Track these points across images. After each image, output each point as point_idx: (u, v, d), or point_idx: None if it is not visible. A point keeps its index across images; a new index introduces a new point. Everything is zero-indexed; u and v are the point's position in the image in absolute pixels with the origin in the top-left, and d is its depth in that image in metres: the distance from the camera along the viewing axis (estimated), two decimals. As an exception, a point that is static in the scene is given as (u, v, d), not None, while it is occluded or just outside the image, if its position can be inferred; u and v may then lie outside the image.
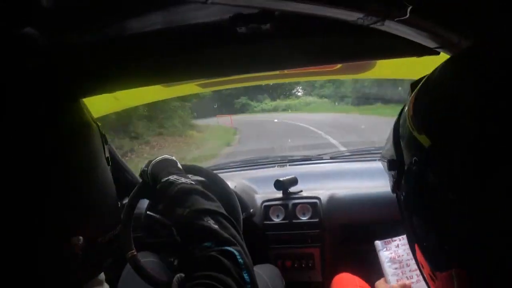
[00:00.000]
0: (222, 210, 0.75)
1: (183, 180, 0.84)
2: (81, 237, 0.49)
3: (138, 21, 0.66)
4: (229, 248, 0.64)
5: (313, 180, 1.67)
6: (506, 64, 0.36)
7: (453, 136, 0.36)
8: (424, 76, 0.47)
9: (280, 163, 1.91)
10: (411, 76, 1.86)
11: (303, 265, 1.45)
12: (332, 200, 1.45)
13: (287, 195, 1.49)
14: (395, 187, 0.49)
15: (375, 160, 1.81)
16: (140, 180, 1.11)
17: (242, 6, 0.60)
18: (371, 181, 1.60)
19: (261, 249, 1.47)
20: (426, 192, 0.40)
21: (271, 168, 1.88)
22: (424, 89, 0.45)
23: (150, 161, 0.99)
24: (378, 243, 1.12)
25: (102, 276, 0.60)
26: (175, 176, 0.86)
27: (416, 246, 0.47)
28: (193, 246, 0.67)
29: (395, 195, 0.53)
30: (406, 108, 0.47)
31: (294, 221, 1.44)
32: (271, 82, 1.88)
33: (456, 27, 0.59)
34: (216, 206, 0.76)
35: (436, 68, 0.46)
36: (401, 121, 0.48)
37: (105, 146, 0.60)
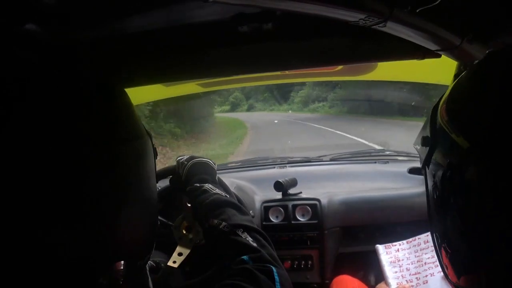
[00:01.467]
0: (255, 226, 0.74)
1: (217, 191, 0.84)
2: (123, 262, 0.45)
3: (139, 18, 0.66)
4: (269, 265, 0.62)
5: (313, 181, 1.66)
6: None
7: (493, 138, 0.37)
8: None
9: (280, 164, 1.91)
10: (412, 78, 1.86)
11: (302, 266, 1.45)
12: (331, 202, 1.45)
13: (287, 196, 1.49)
14: (425, 162, 0.51)
15: (375, 162, 1.81)
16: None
17: (244, 5, 0.60)
18: (371, 183, 1.60)
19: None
20: (463, 194, 0.40)
21: (270, 169, 1.88)
22: (459, 92, 0.45)
23: (192, 157, 0.97)
24: (379, 247, 1.13)
25: None
26: (210, 185, 0.86)
27: (442, 248, 0.47)
28: (227, 259, 0.66)
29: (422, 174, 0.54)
30: (438, 111, 0.47)
31: (293, 222, 1.44)
32: (272, 82, 1.88)
33: (459, 30, 0.58)
34: (250, 221, 0.75)
35: (468, 71, 0.46)
36: (434, 121, 0.49)
37: (155, 161, 0.57)
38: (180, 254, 1.07)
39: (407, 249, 1.09)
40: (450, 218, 0.44)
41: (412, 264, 1.05)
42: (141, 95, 1.57)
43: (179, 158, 1.01)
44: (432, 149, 0.49)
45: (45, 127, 0.40)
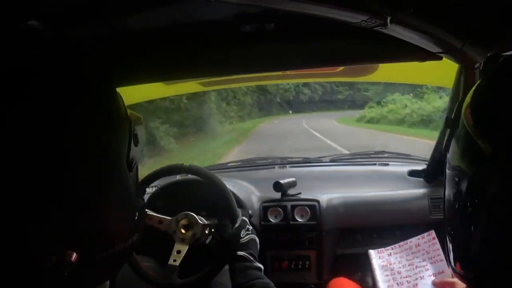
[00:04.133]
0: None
1: (250, 228, 1.00)
2: (74, 253, 0.42)
3: (141, 16, 0.66)
4: None
5: (313, 182, 1.66)
6: None
7: None
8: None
9: (280, 164, 1.91)
10: (413, 80, 1.86)
11: (299, 266, 1.45)
12: (330, 203, 1.45)
13: (286, 197, 1.49)
14: (446, 146, 0.51)
15: (375, 164, 1.81)
16: None
17: (246, 5, 0.60)
18: (371, 185, 1.60)
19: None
20: (485, 198, 0.40)
21: (270, 170, 1.88)
22: (484, 96, 0.45)
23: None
24: (371, 252, 1.15)
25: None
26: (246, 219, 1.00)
27: (452, 248, 0.47)
28: None
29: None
30: (463, 115, 0.47)
31: (291, 222, 1.44)
32: (273, 82, 1.89)
33: (460, 33, 0.58)
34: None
35: (492, 74, 0.46)
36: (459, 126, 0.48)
37: (132, 147, 0.52)
38: (178, 252, 1.08)
39: (399, 252, 1.11)
40: (471, 223, 0.44)
41: (403, 267, 1.07)
42: (141, 93, 1.57)
43: None
44: (453, 131, 0.49)
45: (39, 123, 0.42)
